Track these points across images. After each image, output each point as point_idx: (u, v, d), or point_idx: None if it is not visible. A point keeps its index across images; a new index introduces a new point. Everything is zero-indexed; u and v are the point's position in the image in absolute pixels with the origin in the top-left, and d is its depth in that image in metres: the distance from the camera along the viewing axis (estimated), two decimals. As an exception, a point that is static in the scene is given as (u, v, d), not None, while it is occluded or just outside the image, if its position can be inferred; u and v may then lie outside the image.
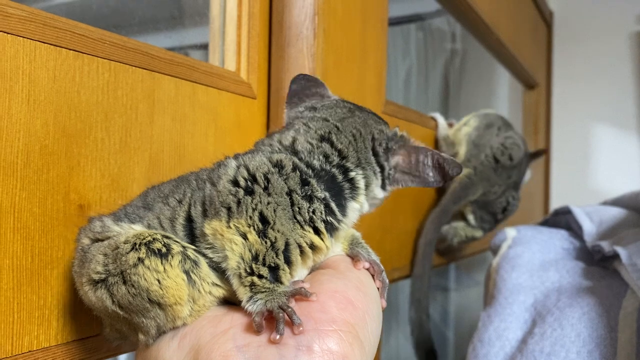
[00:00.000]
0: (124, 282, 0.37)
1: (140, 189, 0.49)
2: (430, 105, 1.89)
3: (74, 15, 0.46)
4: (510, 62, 1.53)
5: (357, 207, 0.43)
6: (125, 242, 0.38)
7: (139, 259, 0.37)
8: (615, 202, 0.92)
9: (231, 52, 0.63)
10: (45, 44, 0.42)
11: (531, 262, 0.79)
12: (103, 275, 0.38)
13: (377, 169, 0.44)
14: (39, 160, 0.41)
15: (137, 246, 0.37)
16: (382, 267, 0.44)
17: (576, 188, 1.91)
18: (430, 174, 0.44)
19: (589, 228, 0.83)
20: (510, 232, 0.87)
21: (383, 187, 0.45)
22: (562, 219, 0.92)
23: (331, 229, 0.41)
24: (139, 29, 0.75)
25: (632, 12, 1.85)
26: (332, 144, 0.43)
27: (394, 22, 2.02)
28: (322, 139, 0.43)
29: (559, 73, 1.94)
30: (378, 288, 0.43)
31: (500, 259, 0.82)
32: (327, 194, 0.41)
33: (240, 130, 0.62)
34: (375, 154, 0.44)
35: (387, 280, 0.44)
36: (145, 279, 0.37)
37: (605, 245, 0.73)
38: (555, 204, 1.92)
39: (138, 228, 0.41)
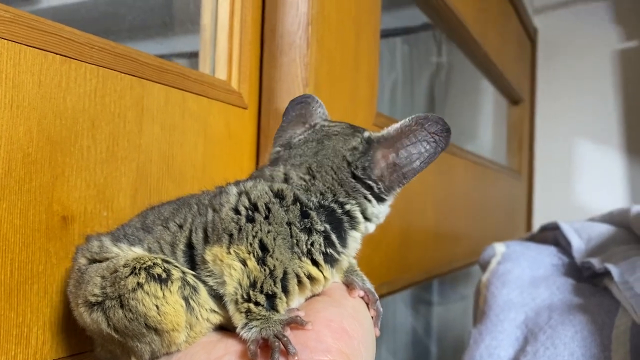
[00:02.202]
0: (122, 307, 0.36)
1: (127, 200, 0.48)
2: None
3: (61, 19, 0.44)
4: (496, 77, 1.54)
5: (359, 235, 0.42)
6: (125, 266, 0.37)
7: (138, 283, 0.36)
8: (604, 219, 0.92)
9: (222, 61, 0.62)
10: (31, 48, 0.40)
11: (521, 278, 0.78)
12: (100, 298, 0.37)
13: (366, 192, 0.42)
14: (21, 169, 0.39)
15: (136, 270, 0.37)
16: (377, 295, 0.43)
17: (559, 203, 1.92)
18: (420, 150, 0.41)
19: (577, 244, 0.83)
20: (499, 248, 0.87)
21: (381, 201, 0.43)
22: (550, 235, 0.91)
23: (331, 260, 0.40)
24: (129, 35, 0.73)
25: (615, 30, 1.88)
26: (319, 181, 0.42)
27: (381, 34, 2.02)
28: (311, 176, 0.42)
29: (543, 89, 1.96)
30: (372, 317, 0.42)
31: (490, 275, 0.81)
32: (327, 227, 0.40)
33: (230, 141, 0.60)
34: (356, 177, 0.42)
35: (381, 309, 0.43)
36: (143, 305, 0.36)
37: (596, 262, 0.73)
38: (538, 219, 1.93)
39: (138, 251, 0.40)
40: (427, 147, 0.40)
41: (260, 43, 0.64)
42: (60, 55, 0.42)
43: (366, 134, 0.43)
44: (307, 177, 0.42)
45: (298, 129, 0.47)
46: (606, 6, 1.88)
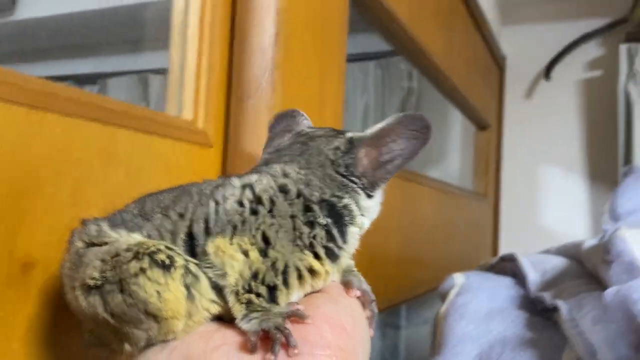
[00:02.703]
0: (121, 291, 0.36)
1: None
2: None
3: (38, 31, 0.45)
4: (463, 105, 1.58)
5: (357, 230, 0.43)
6: (127, 250, 0.37)
7: (141, 269, 0.36)
8: (559, 251, 0.96)
9: (189, 101, 0.63)
10: (-3, 101, 0.41)
11: (478, 310, 0.81)
12: (99, 282, 0.37)
13: (354, 185, 0.43)
14: (-16, 219, 0.40)
15: (140, 255, 0.37)
16: (373, 296, 0.44)
17: (524, 228, 1.97)
18: (401, 146, 0.42)
19: (533, 278, 0.86)
20: (458, 279, 0.89)
21: (369, 197, 0.44)
22: (508, 266, 0.95)
23: (332, 255, 0.41)
24: (102, 50, 0.74)
25: (580, 59, 1.95)
26: (312, 177, 0.43)
27: (354, 58, 2.06)
28: (305, 172, 0.43)
29: (510, 115, 2.02)
30: (367, 317, 0.43)
31: (448, 306, 0.84)
32: (329, 220, 0.41)
33: (195, 179, 0.62)
34: (341, 174, 0.43)
35: (376, 310, 0.44)
36: (145, 290, 0.36)
37: (547, 297, 0.76)
38: (504, 242, 1.98)
39: (137, 237, 0.40)
40: (408, 143, 0.42)
41: (227, 84, 0.66)
42: (25, 105, 0.43)
43: (349, 134, 0.44)
44: (302, 172, 0.42)
45: (285, 138, 0.48)
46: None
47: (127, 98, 1.65)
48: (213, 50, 0.64)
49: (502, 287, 0.87)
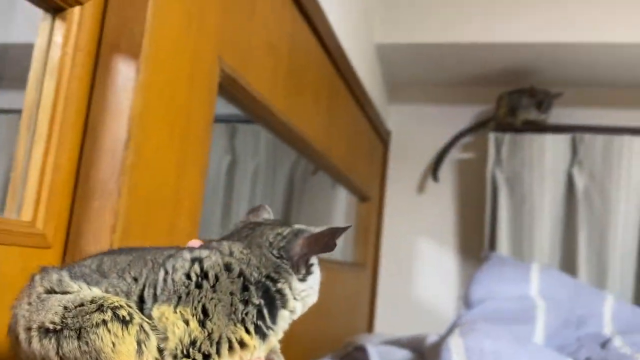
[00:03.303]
0: (79, 338, 0.40)
1: None
2: (274, 208, 1.95)
3: None
4: (343, 180, 1.65)
5: (288, 314, 0.48)
6: (92, 302, 0.41)
7: (103, 320, 0.40)
8: (408, 342, 1.01)
9: (30, 201, 0.62)
10: None
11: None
12: (58, 327, 0.41)
13: (288, 268, 0.48)
14: None
15: (103, 308, 0.41)
16: None
17: (401, 297, 2.06)
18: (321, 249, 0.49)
19: (378, 371, 0.90)
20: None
21: (302, 280, 0.49)
22: (359, 355, 0.99)
23: (260, 332, 0.46)
24: None
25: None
26: (253, 257, 0.48)
27: (246, 120, 2.09)
28: (248, 252, 0.48)
29: (392, 188, 2.13)
30: None
31: (295, 400, 0.85)
32: (261, 301, 0.46)
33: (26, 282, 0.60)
34: (278, 256, 0.48)
35: None
36: (102, 340, 0.40)
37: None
38: (380, 310, 2.05)
39: (96, 291, 0.44)
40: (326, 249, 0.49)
41: (74, 184, 0.66)
42: None
43: (297, 226, 0.50)
44: (245, 252, 0.48)
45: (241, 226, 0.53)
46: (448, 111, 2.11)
47: None
48: (61, 150, 0.64)
49: (349, 380, 0.91)
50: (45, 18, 0.65)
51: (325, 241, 0.49)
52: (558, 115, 1.92)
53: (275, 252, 0.48)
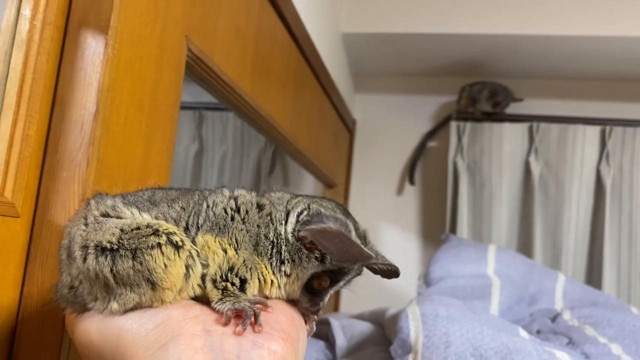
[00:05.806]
0: (133, 257, 0.44)
1: None
2: (240, 193, 1.97)
3: None
4: (309, 166, 1.68)
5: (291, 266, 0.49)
6: (148, 227, 0.45)
7: (158, 243, 0.44)
8: (370, 316, 1.05)
9: (-2, 171, 0.63)
10: None
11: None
12: (115, 246, 0.44)
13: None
14: None
15: (159, 233, 0.45)
16: (316, 317, 0.52)
17: (365, 279, 2.10)
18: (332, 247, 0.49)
19: (341, 342, 0.94)
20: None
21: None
22: (324, 330, 1.02)
23: (279, 269, 0.49)
24: None
25: (420, 130, 2.16)
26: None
27: (215, 107, 2.11)
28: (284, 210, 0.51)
29: (357, 174, 2.17)
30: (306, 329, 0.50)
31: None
32: (277, 241, 0.49)
33: (-3, 249, 0.61)
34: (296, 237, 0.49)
35: (314, 329, 0.52)
36: (155, 261, 0.44)
37: (346, 364, 0.84)
38: (345, 292, 2.09)
39: (147, 217, 0.48)
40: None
41: (43, 155, 0.67)
42: None
43: (315, 206, 0.51)
44: (285, 199, 0.51)
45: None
46: (415, 100, 2.16)
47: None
48: (30, 122, 0.65)
49: (312, 351, 0.94)
50: (13, -9, 0.66)
51: (336, 242, 0.48)
52: (516, 105, 1.99)
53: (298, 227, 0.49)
